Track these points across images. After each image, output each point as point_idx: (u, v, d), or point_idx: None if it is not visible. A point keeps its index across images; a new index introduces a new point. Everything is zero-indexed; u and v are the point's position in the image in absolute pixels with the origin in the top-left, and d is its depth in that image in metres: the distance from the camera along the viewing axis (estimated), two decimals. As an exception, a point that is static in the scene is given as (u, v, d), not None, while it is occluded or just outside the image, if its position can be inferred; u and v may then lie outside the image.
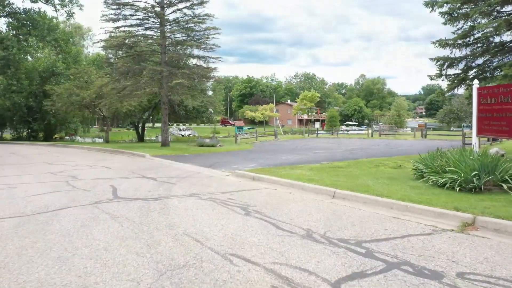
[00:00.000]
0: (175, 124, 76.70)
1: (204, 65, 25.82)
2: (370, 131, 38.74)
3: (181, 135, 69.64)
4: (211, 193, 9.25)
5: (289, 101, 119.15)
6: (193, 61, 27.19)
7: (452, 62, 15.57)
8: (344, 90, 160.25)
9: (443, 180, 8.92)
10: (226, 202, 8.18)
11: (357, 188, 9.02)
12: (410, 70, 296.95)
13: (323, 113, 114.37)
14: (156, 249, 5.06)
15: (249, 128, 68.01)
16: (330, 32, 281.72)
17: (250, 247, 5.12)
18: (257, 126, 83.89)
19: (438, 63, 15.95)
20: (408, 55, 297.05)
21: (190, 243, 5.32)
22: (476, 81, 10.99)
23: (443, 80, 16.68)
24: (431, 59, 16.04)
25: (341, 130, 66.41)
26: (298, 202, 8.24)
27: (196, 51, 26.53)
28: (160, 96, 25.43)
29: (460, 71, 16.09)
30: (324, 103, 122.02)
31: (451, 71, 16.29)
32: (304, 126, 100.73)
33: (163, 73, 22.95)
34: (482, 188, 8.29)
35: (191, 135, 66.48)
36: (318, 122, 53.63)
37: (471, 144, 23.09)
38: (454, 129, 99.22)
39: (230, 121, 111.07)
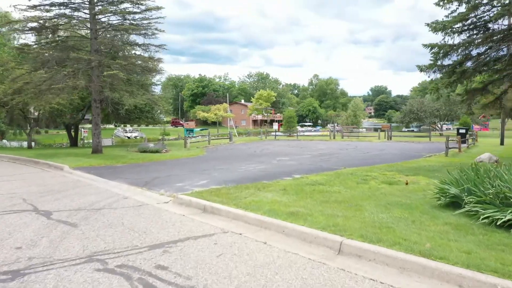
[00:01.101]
0: (122, 125, 70.59)
1: (146, 54, 21.51)
2: (332, 133, 36.07)
3: (127, 137, 63.78)
4: (130, 250, 5.32)
5: (243, 101, 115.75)
6: (135, 52, 22.77)
7: (449, 50, 12.71)
8: (296, 91, 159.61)
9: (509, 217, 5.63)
10: (152, 281, 4.29)
11: (373, 233, 5.50)
12: (359, 72, 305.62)
13: (278, 114, 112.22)
14: None
15: (201, 130, 63.56)
16: (282, 33, 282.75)
17: None
18: (210, 127, 79.54)
19: (433, 50, 13.05)
20: (356, 57, 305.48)
21: None
22: None
23: (434, 72, 13.84)
24: (425, 45, 13.13)
25: (298, 131, 63.98)
26: (285, 273, 4.54)
27: (138, 39, 22.16)
28: (92, 92, 20.71)
29: (455, 62, 13.25)
30: (278, 103, 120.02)
31: (445, 62, 13.42)
32: (258, 126, 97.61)
33: (91, 63, 18.33)
34: None
35: (138, 137, 60.92)
36: (277, 123, 50.52)
37: (456, 147, 20.76)
38: (406, 129, 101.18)
39: (182, 122, 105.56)
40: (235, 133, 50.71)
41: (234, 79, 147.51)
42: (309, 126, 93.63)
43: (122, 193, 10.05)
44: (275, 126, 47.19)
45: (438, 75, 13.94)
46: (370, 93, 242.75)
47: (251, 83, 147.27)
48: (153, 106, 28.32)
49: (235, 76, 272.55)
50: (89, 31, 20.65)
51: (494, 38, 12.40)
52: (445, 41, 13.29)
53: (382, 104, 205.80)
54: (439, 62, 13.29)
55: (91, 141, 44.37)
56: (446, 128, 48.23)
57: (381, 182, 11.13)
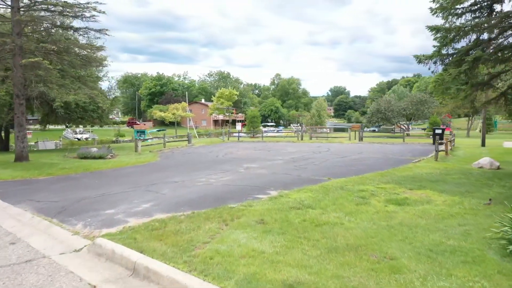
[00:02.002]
0: (74, 126, 64.76)
1: (83, 41, 17.73)
2: (299, 134, 33.45)
3: (77, 139, 58.38)
4: None
5: (203, 101, 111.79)
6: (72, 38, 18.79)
7: (458, 33, 10.25)
8: (258, 91, 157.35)
9: None
10: None
11: None
12: (318, 73, 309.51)
13: (240, 113, 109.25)
14: None
15: (158, 130, 59.21)
16: (242, 33, 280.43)
17: None
18: (168, 128, 75.08)
19: (439, 34, 10.56)
20: (315, 58, 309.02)
21: None
22: None
23: (435, 62, 11.38)
24: (429, 27, 10.61)
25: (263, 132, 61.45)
26: None
27: (75, 23, 18.27)
28: (13, 84, 16.59)
29: (462, 49, 10.80)
30: (240, 103, 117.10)
31: (449, 51, 10.96)
32: (220, 127, 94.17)
33: (5, 46, 14.33)
34: None
35: (89, 139, 55.73)
36: (240, 124, 47.48)
37: (442, 149, 18.61)
38: (367, 129, 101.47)
39: (138, 122, 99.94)
40: (195, 134, 47.06)
41: (194, 78, 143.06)
42: (271, 126, 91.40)
43: (16, 230, 6.60)
44: (238, 126, 44.11)
45: (440, 67, 11.49)
46: (330, 93, 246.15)
47: (211, 82, 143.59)
48: (98, 104, 24.32)
49: (195, 76, 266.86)
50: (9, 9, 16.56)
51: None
52: (450, 25, 10.85)
53: (341, 104, 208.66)
54: (444, 50, 10.85)
55: (33, 143, 39.17)
56: (407, 128, 47.07)
57: (385, 201, 8.40)
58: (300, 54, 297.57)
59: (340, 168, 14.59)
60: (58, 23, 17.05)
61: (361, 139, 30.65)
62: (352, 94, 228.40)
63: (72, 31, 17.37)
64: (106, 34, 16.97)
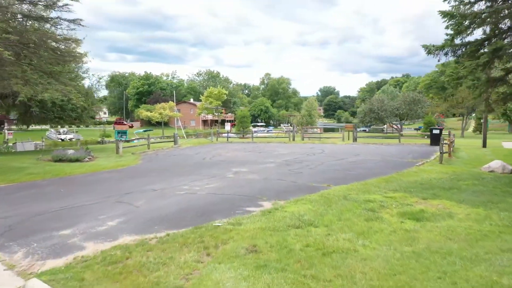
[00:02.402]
0: (59, 126, 62.46)
1: (57, 32, 16.10)
2: (291, 134, 32.09)
3: (61, 139, 56.29)
4: None
5: (192, 100, 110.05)
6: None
7: (473, 20, 8.97)
8: (247, 91, 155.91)
9: None
10: None
11: None
12: (307, 73, 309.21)
13: (229, 113, 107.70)
14: None
15: (144, 131, 57.33)
16: (232, 33, 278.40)
17: None
18: (156, 128, 73.15)
19: (452, 21, 9.28)
20: (305, 58, 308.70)
21: None
22: None
23: (446, 54, 10.13)
24: (441, 12, 9.31)
25: (253, 132, 60.17)
26: None
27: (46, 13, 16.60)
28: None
29: (477, 41, 9.54)
30: (229, 102, 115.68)
31: (458, 42, 9.69)
32: (209, 127, 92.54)
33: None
34: None
35: (73, 140, 53.73)
36: (229, 124, 45.97)
37: (443, 150, 17.43)
38: (359, 129, 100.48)
39: (126, 122, 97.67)
40: (183, 135, 45.34)
41: (183, 78, 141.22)
42: (261, 126, 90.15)
43: None
44: (227, 126, 42.59)
45: (451, 58, 10.25)
46: (319, 93, 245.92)
47: (200, 81, 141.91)
48: (72, 101, 22.61)
49: (184, 75, 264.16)
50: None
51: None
52: (463, 10, 9.58)
53: (331, 104, 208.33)
54: (457, 40, 9.58)
55: (11, 145, 37.06)
56: (399, 128, 46.17)
57: (399, 215, 7.09)
58: (290, 54, 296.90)
59: (338, 172, 13.28)
60: (26, 12, 15.38)
61: (355, 139, 29.45)
62: (341, 94, 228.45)
63: (43, 22, 15.72)
64: (80, 24, 15.36)
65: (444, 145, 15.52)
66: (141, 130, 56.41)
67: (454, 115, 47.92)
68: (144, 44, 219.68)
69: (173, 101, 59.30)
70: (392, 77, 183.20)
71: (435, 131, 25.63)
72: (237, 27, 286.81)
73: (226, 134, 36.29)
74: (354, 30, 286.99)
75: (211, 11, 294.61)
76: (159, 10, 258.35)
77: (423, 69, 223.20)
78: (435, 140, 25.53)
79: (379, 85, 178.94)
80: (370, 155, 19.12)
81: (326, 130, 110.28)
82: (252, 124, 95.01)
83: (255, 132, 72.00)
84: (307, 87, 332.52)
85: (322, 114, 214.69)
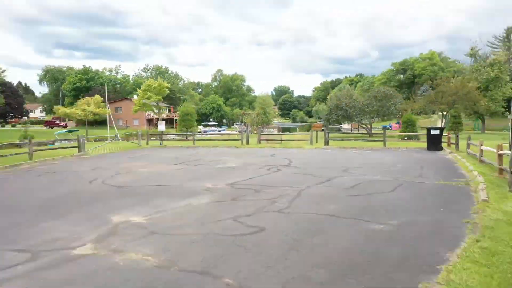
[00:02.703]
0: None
1: None
2: (244, 134, 24.54)
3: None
4: None
5: (135, 97, 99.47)
6: None
7: None
8: (201, 89, 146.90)
9: None
10: None
11: None
12: (262, 73, 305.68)
13: (177, 112, 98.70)
14: None
15: (68, 131, 47.21)
16: (186, 32, 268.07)
17: None
18: (96, 128, 62.83)
19: None
20: (260, 58, 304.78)
21: None
22: None
23: None
24: None
25: (199, 132, 52.00)
26: None
27: None
28: None
29: None
30: (179, 100, 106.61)
31: None
32: (155, 127, 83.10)
33: None
34: None
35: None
36: (164, 122, 37.81)
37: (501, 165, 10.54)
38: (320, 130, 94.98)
39: (59, 122, 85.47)
40: (117, 135, 36.14)
41: (128, 73, 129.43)
42: (213, 125, 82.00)
43: None
44: (161, 126, 34.43)
45: None
46: (274, 93, 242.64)
47: (148, 77, 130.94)
48: None
49: (131, 71, 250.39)
50: None
51: None
52: None
53: (286, 103, 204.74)
54: None
55: None
56: (365, 127, 40.35)
57: None
58: (245, 54, 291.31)
59: (341, 227, 6.02)
60: None
61: (326, 142, 22.60)
62: (296, 94, 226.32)
63: None
64: None
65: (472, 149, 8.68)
66: (63, 131, 46.57)
67: (433, 112, 43.18)
68: (94, 40, 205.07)
69: (118, 98, 50.01)
70: (346, 77, 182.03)
71: (434, 132, 19.32)
72: (191, 25, 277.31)
73: (159, 136, 28.16)
74: (307, 31, 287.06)
75: (162, 8, 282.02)
76: (108, 6, 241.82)
77: (373, 70, 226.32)
78: (434, 143, 19.26)
79: (334, 84, 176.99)
80: (367, 171, 12.08)
81: (284, 130, 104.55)
82: (203, 123, 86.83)
83: (205, 132, 63.76)
84: (262, 87, 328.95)
85: (277, 113, 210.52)
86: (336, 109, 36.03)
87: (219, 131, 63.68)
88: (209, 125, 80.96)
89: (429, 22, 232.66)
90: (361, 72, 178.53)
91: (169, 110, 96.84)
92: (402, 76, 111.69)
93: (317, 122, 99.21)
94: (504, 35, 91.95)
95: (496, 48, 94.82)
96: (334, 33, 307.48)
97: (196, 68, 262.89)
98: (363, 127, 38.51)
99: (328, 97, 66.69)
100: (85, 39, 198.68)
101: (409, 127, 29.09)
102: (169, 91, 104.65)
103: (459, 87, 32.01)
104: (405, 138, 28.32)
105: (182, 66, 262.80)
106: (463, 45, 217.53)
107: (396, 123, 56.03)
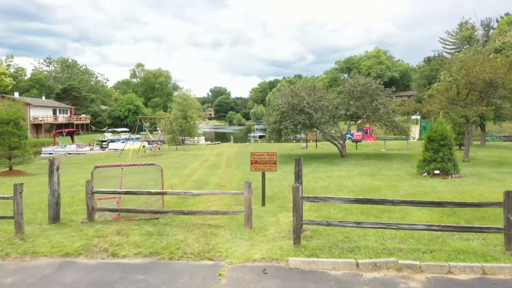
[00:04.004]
0: None
1: None
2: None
3: None
4: None
5: (29, 99, 77.44)
6: None
7: None
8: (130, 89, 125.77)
9: None
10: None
11: None
12: (199, 74, 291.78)
13: (83, 114, 78.25)
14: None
15: None
16: (120, 30, 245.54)
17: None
18: None
19: None
20: (197, 59, 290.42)
21: None
22: None
23: None
24: None
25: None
26: None
27: None
28: None
29: None
30: (86, 100, 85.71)
31: None
32: (46, 134, 62.87)
33: None
34: None
35: None
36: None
37: None
38: (253, 134, 79.49)
39: None
40: None
41: (23, 66, 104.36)
42: (124, 132, 62.13)
43: None
44: None
45: None
46: (210, 94, 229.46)
47: (51, 72, 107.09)
48: None
49: (29, 64, 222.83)
50: None
51: None
52: None
53: (222, 105, 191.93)
54: None
55: None
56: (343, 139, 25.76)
57: None
58: (183, 54, 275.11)
59: None
60: None
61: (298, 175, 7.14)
62: (233, 95, 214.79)
63: None
64: None
65: None
66: None
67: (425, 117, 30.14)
68: (14, 36, 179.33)
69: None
70: (285, 77, 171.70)
71: None
72: (124, 23, 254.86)
73: None
74: (244, 33, 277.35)
75: (92, 3, 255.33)
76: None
77: (309, 73, 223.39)
78: None
79: (272, 85, 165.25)
80: None
81: (217, 136, 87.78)
82: (111, 130, 67.74)
83: (109, 142, 45.38)
84: (198, 88, 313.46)
85: (212, 115, 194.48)
86: (291, 111, 20.49)
87: (133, 140, 43.54)
88: (117, 132, 62.21)
89: (360, 28, 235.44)
90: (299, 73, 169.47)
91: (70, 112, 76.36)
92: (346, 75, 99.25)
93: (255, 127, 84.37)
94: (457, 30, 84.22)
95: (449, 45, 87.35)
96: (271, 35, 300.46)
97: (131, 68, 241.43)
98: (336, 143, 23.18)
99: (268, 95, 50.97)
100: (3, 33, 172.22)
101: (441, 148, 14.33)
102: (68, 87, 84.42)
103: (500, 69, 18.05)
104: (436, 172, 13.86)
105: (116, 66, 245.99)
106: (393, 50, 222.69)
107: (359, 130, 41.57)
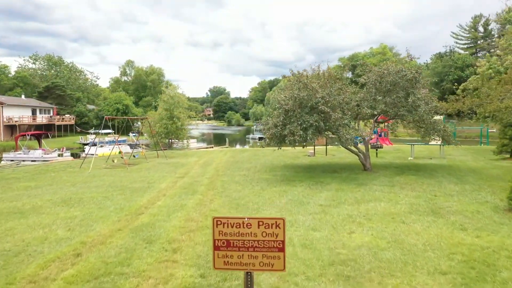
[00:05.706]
0: None
1: None
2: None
3: None
4: None
5: (23, 97, 71.41)
6: None
7: None
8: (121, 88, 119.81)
9: None
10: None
11: None
12: (199, 74, 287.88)
13: (67, 114, 72.36)
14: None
15: None
16: (117, 30, 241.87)
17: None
18: None
19: None
20: (196, 59, 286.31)
21: None
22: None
23: None
24: None
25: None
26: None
27: None
28: None
29: None
30: (71, 99, 79.73)
31: None
32: (26, 137, 56.75)
33: None
34: None
35: None
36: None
37: None
38: (252, 136, 74.08)
39: None
40: None
41: (7, 63, 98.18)
42: (108, 134, 55.63)
43: None
44: None
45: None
46: (209, 94, 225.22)
47: (36, 70, 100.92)
48: None
49: (13, 61, 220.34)
50: None
51: None
52: None
53: (221, 105, 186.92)
54: None
55: None
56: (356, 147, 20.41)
57: None
58: (182, 54, 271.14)
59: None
60: None
61: None
62: (232, 95, 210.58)
63: None
64: None
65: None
66: None
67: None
68: (13, 36, 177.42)
69: None
70: (285, 76, 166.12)
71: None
72: (123, 23, 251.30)
73: None
74: (243, 32, 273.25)
75: (90, 3, 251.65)
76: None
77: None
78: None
79: (272, 84, 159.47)
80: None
81: (215, 138, 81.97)
82: (94, 131, 61.64)
83: (90, 146, 39.56)
84: (197, 88, 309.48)
85: (211, 115, 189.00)
86: (299, 110, 14.45)
87: (119, 142, 36.57)
88: (100, 134, 56.09)
89: (359, 28, 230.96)
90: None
91: (52, 113, 70.45)
92: (351, 73, 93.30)
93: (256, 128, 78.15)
94: (471, 24, 78.28)
95: (461, 39, 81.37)
96: (270, 35, 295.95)
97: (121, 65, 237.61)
98: (357, 152, 17.08)
99: (268, 94, 45.24)
100: (2, 33, 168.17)
101: None
102: (52, 85, 78.44)
103: None
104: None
105: (115, 66, 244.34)
106: (394, 50, 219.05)
107: (374, 133, 35.09)
